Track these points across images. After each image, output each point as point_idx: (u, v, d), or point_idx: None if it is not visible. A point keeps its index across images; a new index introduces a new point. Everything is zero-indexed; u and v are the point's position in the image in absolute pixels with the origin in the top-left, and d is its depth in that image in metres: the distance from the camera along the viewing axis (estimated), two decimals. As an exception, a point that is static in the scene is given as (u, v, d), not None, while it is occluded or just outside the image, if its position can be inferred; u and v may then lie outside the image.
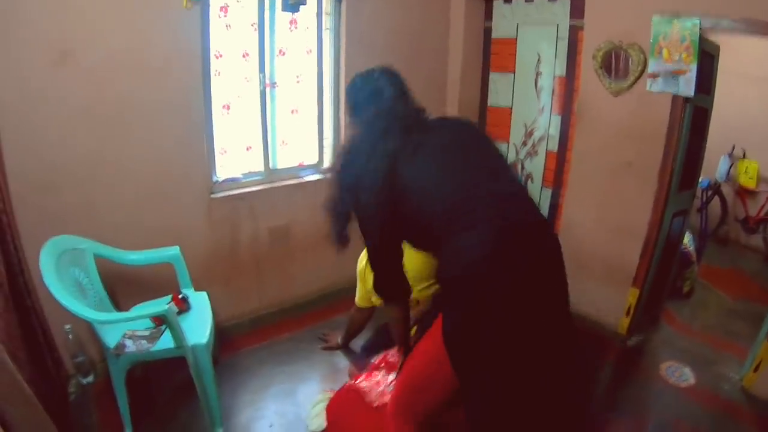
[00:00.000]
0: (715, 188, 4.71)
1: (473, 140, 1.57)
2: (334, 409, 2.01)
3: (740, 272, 4.44)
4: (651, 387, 2.72)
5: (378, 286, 1.58)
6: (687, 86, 2.60)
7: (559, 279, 1.39)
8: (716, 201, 4.85)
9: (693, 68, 2.56)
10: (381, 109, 1.57)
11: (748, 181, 4.69)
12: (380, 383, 2.03)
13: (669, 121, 2.74)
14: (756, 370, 2.65)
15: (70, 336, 2.27)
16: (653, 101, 2.75)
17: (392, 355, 2.19)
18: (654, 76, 2.70)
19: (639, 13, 2.71)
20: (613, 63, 2.89)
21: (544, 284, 1.34)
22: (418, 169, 1.43)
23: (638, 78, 2.79)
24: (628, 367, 2.94)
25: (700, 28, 2.49)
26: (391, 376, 2.04)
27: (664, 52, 2.64)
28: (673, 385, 2.73)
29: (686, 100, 2.67)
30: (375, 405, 1.89)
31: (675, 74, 2.62)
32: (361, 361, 2.39)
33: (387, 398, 1.86)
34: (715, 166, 4.61)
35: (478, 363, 1.32)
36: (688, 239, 3.75)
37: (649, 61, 2.71)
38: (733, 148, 4.64)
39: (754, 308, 3.52)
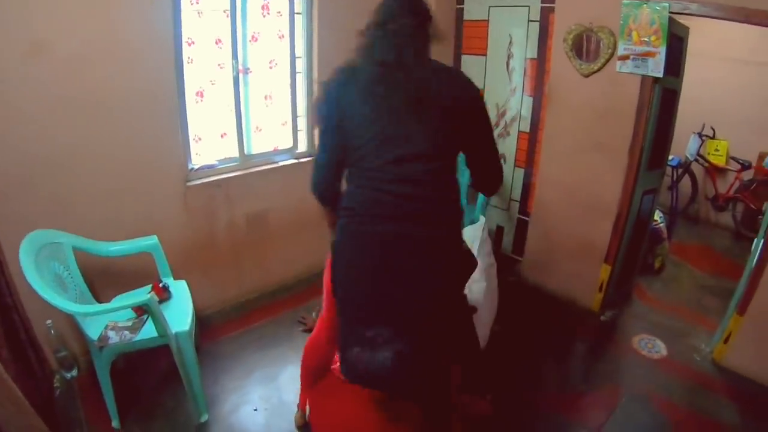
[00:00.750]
0: (685, 167, 4.90)
1: (430, 108, 1.50)
2: (314, 395, 2.08)
3: (710, 249, 4.66)
4: (624, 359, 2.89)
5: (314, 188, 1.66)
6: (656, 68, 2.72)
7: (417, 273, 1.50)
8: (687, 179, 5.06)
9: (662, 50, 2.67)
10: (372, 33, 1.58)
11: (718, 159, 4.91)
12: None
13: (638, 102, 2.86)
14: (726, 341, 2.82)
15: (52, 331, 2.32)
16: (623, 83, 2.87)
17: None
18: (624, 58, 2.82)
19: None
20: (584, 45, 3.00)
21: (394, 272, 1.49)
22: (357, 104, 1.51)
23: (608, 60, 2.90)
24: (601, 342, 3.09)
25: (669, 12, 2.60)
26: None
27: (634, 34, 2.75)
28: (645, 356, 2.90)
29: (655, 81, 2.79)
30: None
31: (644, 56, 2.74)
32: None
33: None
34: (685, 144, 4.80)
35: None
36: (658, 216, 3.93)
37: (618, 44, 2.82)
38: (703, 127, 4.83)
39: (724, 283, 3.72)
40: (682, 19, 2.79)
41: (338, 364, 2.17)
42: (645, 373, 2.75)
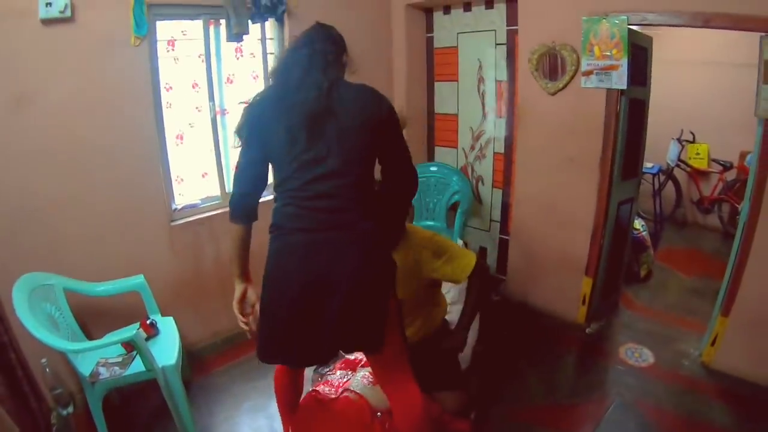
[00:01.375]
0: (667, 173, 5.04)
1: (343, 128, 1.65)
2: (296, 420, 2.17)
3: (699, 251, 4.75)
4: (610, 370, 2.93)
5: (231, 203, 1.80)
6: (620, 80, 2.83)
7: (338, 279, 1.64)
8: (671, 186, 5.19)
9: (624, 63, 2.79)
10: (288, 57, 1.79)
11: (699, 162, 5.04)
12: (336, 383, 2.25)
13: (605, 115, 2.97)
14: (713, 344, 2.87)
15: (47, 369, 2.45)
16: (589, 97, 2.99)
17: (353, 357, 2.41)
18: (587, 73, 2.94)
19: (569, 15, 2.94)
20: (548, 64, 3.14)
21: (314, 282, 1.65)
22: (275, 128, 1.66)
23: (573, 77, 3.02)
24: (587, 354, 3.14)
25: (628, 24, 2.72)
26: (353, 374, 2.25)
27: (596, 49, 2.86)
28: (632, 365, 2.94)
29: (621, 93, 2.90)
30: (329, 398, 2.09)
31: (607, 70, 2.85)
32: (323, 369, 2.59)
33: (339, 392, 2.08)
34: (665, 151, 4.94)
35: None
36: (640, 225, 4.05)
37: (581, 60, 2.94)
38: (681, 132, 4.98)
39: (713, 285, 3.65)
40: (647, 30, 2.91)
41: (318, 387, 2.28)
42: (632, 381, 2.80)
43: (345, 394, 2.13)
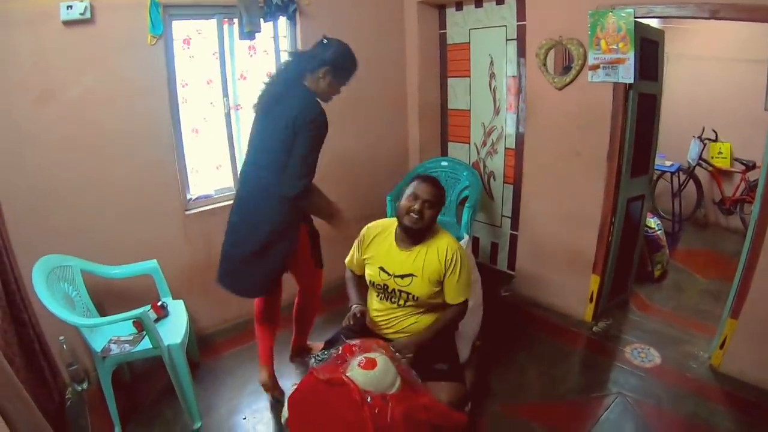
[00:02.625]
0: (688, 172, 4.98)
1: (276, 126, 2.28)
2: (295, 398, 2.27)
3: (719, 253, 4.67)
4: (613, 369, 2.93)
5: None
6: (626, 74, 2.83)
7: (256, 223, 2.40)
8: (692, 185, 5.11)
9: (631, 56, 2.79)
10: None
11: (722, 162, 4.96)
12: (333, 368, 2.34)
13: (612, 109, 2.98)
14: (722, 347, 2.84)
15: (65, 346, 2.67)
16: (596, 92, 3.01)
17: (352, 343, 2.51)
18: (594, 67, 2.95)
19: (575, 8, 2.96)
20: (555, 59, 3.17)
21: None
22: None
23: (580, 71, 3.04)
24: (591, 352, 3.15)
25: (634, 17, 2.72)
26: (350, 358, 2.35)
27: (602, 43, 2.87)
28: (637, 366, 2.94)
29: (629, 87, 2.90)
30: (324, 378, 2.19)
31: (614, 64, 2.86)
32: (322, 355, 2.69)
33: (336, 375, 2.17)
34: (686, 149, 4.88)
35: None
36: (655, 223, 4.02)
37: (588, 54, 2.96)
38: (703, 130, 4.91)
39: (729, 288, 3.64)
40: (666, 24, 2.89)
41: (318, 367, 2.38)
42: (635, 381, 2.80)
43: (339, 376, 2.23)
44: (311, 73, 2.33)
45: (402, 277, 2.25)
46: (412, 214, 2.15)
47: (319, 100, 2.34)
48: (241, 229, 2.46)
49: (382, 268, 2.27)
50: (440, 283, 2.21)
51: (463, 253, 2.27)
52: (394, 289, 2.29)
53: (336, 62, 2.33)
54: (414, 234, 2.22)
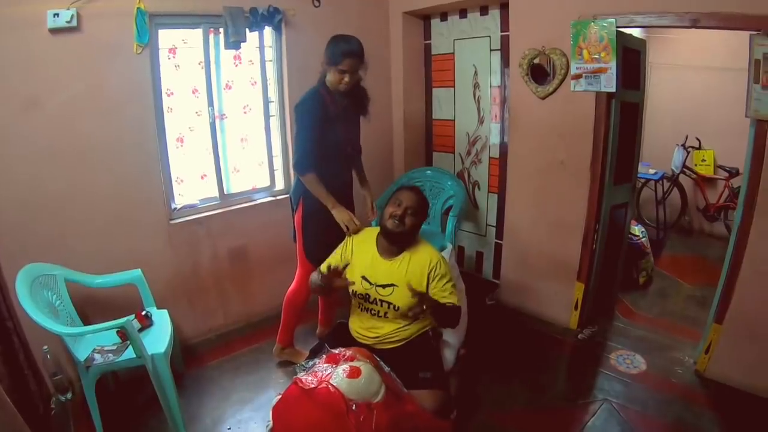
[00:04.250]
0: (672, 179, 5.07)
1: None
2: (279, 408, 2.29)
3: (703, 259, 4.75)
4: (599, 376, 2.96)
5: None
6: (608, 83, 2.89)
7: None
8: (676, 193, 5.21)
9: (613, 65, 2.84)
10: None
11: (705, 169, 5.06)
12: (319, 376, 2.36)
13: (594, 118, 3.04)
14: (707, 352, 2.88)
15: (49, 356, 2.66)
16: (579, 101, 3.06)
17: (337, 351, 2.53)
18: (577, 77, 3.01)
19: (558, 19, 3.03)
20: (538, 69, 3.22)
21: None
22: None
23: (563, 80, 3.10)
24: (577, 360, 3.19)
25: (616, 27, 2.79)
26: (335, 368, 2.37)
27: (585, 53, 2.93)
28: (623, 372, 2.97)
29: (611, 96, 2.96)
30: (309, 387, 2.20)
31: (596, 73, 2.92)
32: (308, 363, 2.70)
33: (322, 384, 2.19)
34: (670, 157, 4.97)
35: None
36: (639, 231, 4.08)
37: (571, 64, 3.02)
38: (686, 138, 5.01)
39: (713, 293, 3.69)
40: (650, 33, 2.95)
41: (301, 377, 2.40)
42: (621, 388, 2.83)
43: (324, 385, 2.25)
44: (326, 69, 2.66)
45: (384, 286, 2.30)
46: (393, 219, 2.22)
47: (332, 90, 2.64)
48: None
49: (364, 277, 2.32)
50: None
51: (446, 262, 2.32)
52: (375, 299, 2.33)
53: (325, 50, 2.62)
54: (395, 240, 2.29)
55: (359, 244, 2.43)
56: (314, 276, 2.39)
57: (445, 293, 2.26)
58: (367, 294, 2.33)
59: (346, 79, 2.56)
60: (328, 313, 3.23)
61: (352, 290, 2.38)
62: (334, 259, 2.43)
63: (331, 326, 2.84)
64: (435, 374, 2.31)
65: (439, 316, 2.25)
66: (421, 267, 2.27)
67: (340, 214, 2.61)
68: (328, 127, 2.62)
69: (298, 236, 2.85)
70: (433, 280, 2.26)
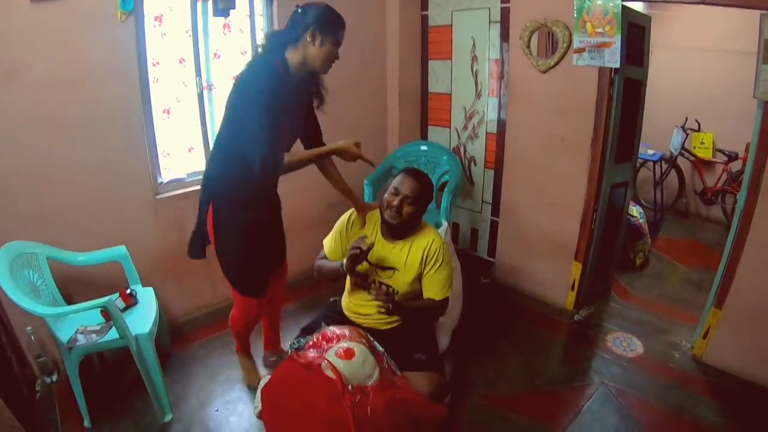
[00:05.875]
0: (670, 161, 5.04)
1: None
2: (269, 389, 2.24)
3: (700, 243, 4.76)
4: (596, 359, 2.96)
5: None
6: (612, 58, 2.84)
7: None
8: (674, 175, 5.19)
9: (617, 40, 2.79)
10: None
11: (704, 152, 5.03)
12: (312, 356, 2.31)
13: (597, 94, 2.99)
14: (705, 337, 2.88)
15: (33, 337, 2.59)
16: (581, 76, 3.01)
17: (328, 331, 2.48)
18: (579, 51, 2.95)
19: None
20: (539, 41, 3.16)
21: None
22: None
23: (565, 54, 3.05)
24: (573, 342, 3.18)
25: (623, 1, 2.72)
26: (328, 347, 2.31)
27: (588, 26, 2.87)
28: (620, 355, 2.97)
29: (614, 72, 2.91)
30: (301, 362, 2.15)
31: (600, 47, 2.86)
32: (300, 341, 2.66)
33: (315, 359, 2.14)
34: (669, 139, 4.93)
35: None
36: (637, 212, 4.07)
37: (574, 37, 2.95)
38: (686, 120, 4.98)
39: (712, 277, 3.62)
40: (653, 9, 2.90)
41: (295, 355, 2.34)
42: (618, 371, 2.82)
43: (320, 362, 2.19)
44: (294, 43, 2.05)
45: (384, 269, 2.25)
46: (391, 209, 2.14)
47: (291, 68, 2.08)
48: None
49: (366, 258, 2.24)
50: (419, 280, 2.22)
51: (447, 249, 2.27)
52: (374, 280, 2.27)
53: (321, 19, 2.04)
54: (394, 229, 2.22)
55: (363, 220, 2.36)
56: (327, 263, 2.34)
57: (432, 288, 2.23)
58: (366, 275, 2.28)
59: (335, 60, 2.14)
60: (272, 336, 2.92)
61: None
62: (337, 245, 2.36)
63: (278, 350, 2.78)
64: (430, 356, 2.28)
65: (407, 317, 2.25)
66: (422, 253, 2.21)
67: (349, 147, 2.13)
68: (282, 113, 2.03)
69: (219, 259, 2.38)
70: (428, 266, 2.21)
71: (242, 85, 2.06)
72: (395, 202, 2.13)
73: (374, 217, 2.34)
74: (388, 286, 2.24)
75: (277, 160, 2.00)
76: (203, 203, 2.27)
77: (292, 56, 2.06)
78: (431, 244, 2.21)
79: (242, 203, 2.21)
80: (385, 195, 2.19)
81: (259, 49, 2.17)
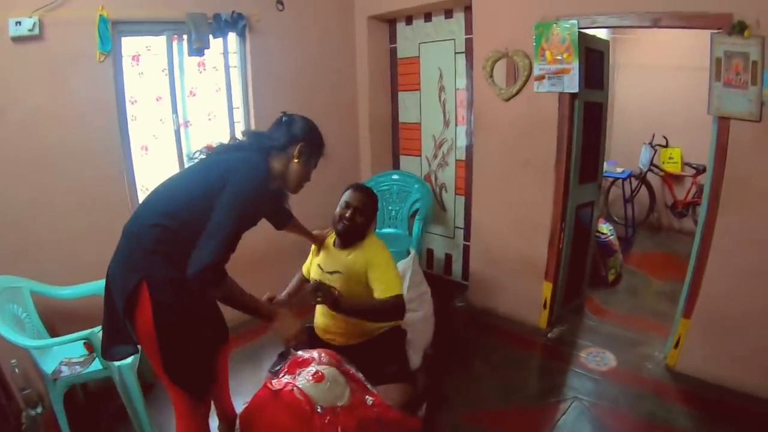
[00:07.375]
0: (640, 178, 5.24)
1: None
2: (246, 413, 2.22)
3: (673, 255, 4.90)
4: (569, 374, 3.04)
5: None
6: (571, 83, 3.00)
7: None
8: (644, 190, 5.38)
9: (575, 66, 2.95)
10: None
11: (673, 167, 5.24)
12: (284, 381, 2.42)
13: (558, 118, 3.13)
14: (676, 346, 2.98)
15: (17, 370, 2.69)
16: (542, 102, 3.16)
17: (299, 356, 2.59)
18: (540, 78, 3.11)
19: (521, 21, 3.13)
20: (506, 69, 3.30)
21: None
22: None
23: (526, 82, 3.20)
24: (547, 359, 3.26)
25: (578, 28, 2.89)
26: (301, 371, 2.43)
27: (548, 54, 3.04)
28: (593, 369, 3.05)
29: (574, 96, 3.06)
30: (276, 389, 2.25)
31: (559, 74, 3.02)
32: (275, 367, 2.76)
33: (287, 386, 2.25)
34: (637, 156, 5.14)
35: None
36: (607, 229, 4.21)
37: (534, 65, 3.12)
38: (653, 137, 5.19)
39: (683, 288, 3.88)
40: (615, 34, 3.04)
41: (270, 381, 2.45)
42: (591, 385, 2.90)
43: (290, 387, 2.30)
44: (279, 152, 1.97)
45: (331, 273, 2.44)
46: (343, 221, 2.37)
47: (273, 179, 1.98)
48: None
49: (319, 265, 2.50)
50: (365, 283, 2.35)
51: (384, 252, 2.42)
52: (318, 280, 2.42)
53: (310, 137, 2.03)
54: (345, 238, 2.43)
55: (320, 248, 2.60)
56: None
57: (379, 287, 2.30)
58: (320, 281, 2.38)
59: (309, 179, 2.09)
60: (225, 408, 2.66)
61: (311, 278, 2.51)
62: (310, 262, 2.62)
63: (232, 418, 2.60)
64: (400, 368, 2.42)
65: (354, 312, 2.27)
66: (365, 257, 2.38)
67: (287, 326, 1.97)
68: (250, 217, 1.92)
69: (163, 360, 1.87)
70: (370, 270, 2.35)
71: (234, 183, 1.76)
72: (347, 213, 2.36)
73: (333, 233, 2.55)
74: (333, 288, 2.29)
75: (215, 274, 1.70)
76: (127, 283, 1.82)
77: (275, 164, 1.96)
78: (375, 251, 2.39)
79: (183, 282, 1.69)
80: (337, 210, 2.42)
81: (239, 142, 2.06)
